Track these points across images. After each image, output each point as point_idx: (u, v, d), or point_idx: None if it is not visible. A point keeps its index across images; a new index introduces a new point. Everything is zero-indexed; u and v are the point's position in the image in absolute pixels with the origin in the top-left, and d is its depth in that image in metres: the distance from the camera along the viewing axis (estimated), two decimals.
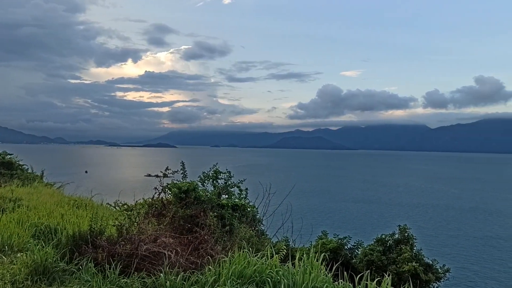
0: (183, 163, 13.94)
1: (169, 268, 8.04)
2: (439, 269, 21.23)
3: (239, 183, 14.68)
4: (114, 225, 10.27)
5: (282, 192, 16.67)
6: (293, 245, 15.73)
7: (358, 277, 6.95)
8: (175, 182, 12.26)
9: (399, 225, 21.51)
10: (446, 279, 22.76)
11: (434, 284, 20.77)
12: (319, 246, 17.42)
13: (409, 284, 7.72)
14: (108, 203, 12.79)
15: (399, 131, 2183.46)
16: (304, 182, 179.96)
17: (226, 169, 14.96)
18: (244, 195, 14.58)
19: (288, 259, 7.90)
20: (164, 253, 8.60)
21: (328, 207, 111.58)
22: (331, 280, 7.35)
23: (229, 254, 8.38)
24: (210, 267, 8.10)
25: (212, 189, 14.19)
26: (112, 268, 8.20)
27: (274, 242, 15.23)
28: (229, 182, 14.59)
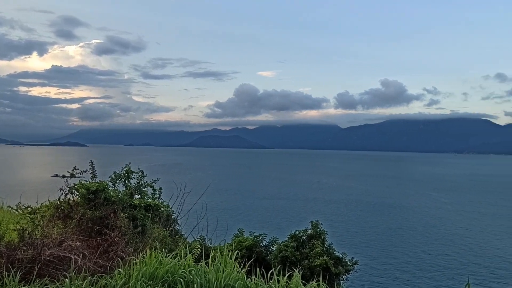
0: (92, 163, 13.29)
1: (75, 273, 7.60)
2: (348, 262, 22.28)
3: (152, 182, 14.32)
4: (15, 230, 9.52)
5: (198, 191, 16.50)
6: (209, 244, 15.65)
7: (269, 272, 7.08)
8: (83, 182, 11.63)
9: (312, 221, 22.25)
10: (355, 271, 24.02)
11: (343, 276, 21.81)
12: (235, 244, 17.51)
13: (320, 278, 7.95)
14: (9, 206, 11.79)
15: (313, 131, 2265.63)
16: (221, 180, 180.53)
17: (139, 169, 14.52)
18: (158, 195, 14.25)
19: (203, 258, 7.84)
20: (70, 257, 8.13)
21: (245, 205, 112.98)
22: (245, 277, 7.40)
23: (141, 255, 8.11)
24: (120, 269, 7.80)
25: (124, 189, 13.69)
26: (11, 276, 7.58)
27: (190, 241, 15.03)
28: (142, 182, 14.18)
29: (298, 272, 7.38)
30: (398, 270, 56.57)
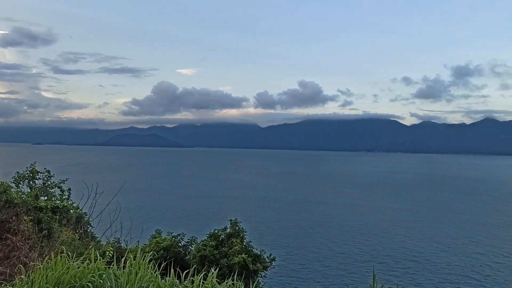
0: None
1: None
2: (266, 259, 22.62)
3: (60, 183, 13.47)
4: None
5: (111, 191, 15.80)
6: (124, 246, 15.06)
7: (185, 272, 6.92)
8: None
9: (231, 220, 22.31)
10: (272, 268, 24.46)
11: (261, 273, 22.10)
12: (153, 245, 17.04)
13: (239, 276, 7.90)
14: None
15: (233, 130, 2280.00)
16: (137, 180, 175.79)
17: (45, 168, 13.56)
18: (67, 196, 13.44)
19: (113, 261, 7.46)
20: None
21: (163, 205, 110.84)
22: (159, 278, 7.15)
23: (45, 260, 7.54)
24: (22, 276, 7.19)
25: (29, 190, 12.72)
26: None
27: (103, 244, 14.35)
28: (49, 183, 13.27)
29: (215, 270, 7.27)
30: (314, 264, 58.61)
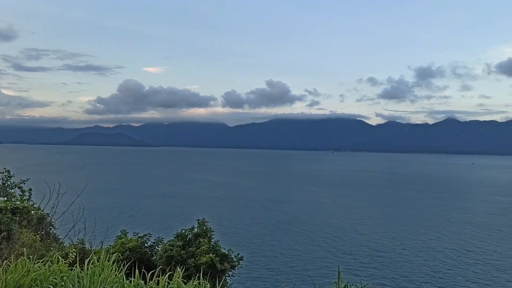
0: None
1: None
2: (234, 258, 22.58)
3: (21, 183, 13.02)
4: None
5: (75, 191, 15.40)
6: (89, 247, 14.71)
7: (150, 273, 6.82)
8: None
9: (198, 219, 22.17)
10: (240, 267, 24.46)
11: (229, 272, 22.06)
12: (118, 246, 16.72)
13: (207, 276, 7.85)
14: None
15: (201, 129, 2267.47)
16: (102, 180, 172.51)
17: (4, 168, 13.10)
18: (27, 197, 13.01)
19: (77, 263, 7.27)
20: None
21: (129, 205, 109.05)
22: (124, 279, 7.01)
23: (5, 263, 7.27)
24: None
25: None
26: None
27: (66, 245, 13.98)
28: (9, 183, 12.81)
29: (181, 270, 7.19)
30: (281, 263, 58.96)
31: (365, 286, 7.81)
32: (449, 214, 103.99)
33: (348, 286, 7.84)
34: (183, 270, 7.04)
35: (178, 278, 6.72)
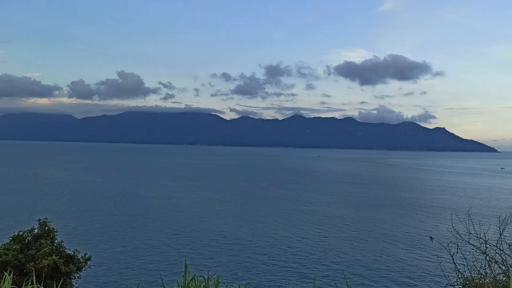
0: None
1: None
2: (81, 259, 21.52)
3: None
4: None
5: None
6: None
7: None
8: None
9: (39, 219, 20.62)
10: (88, 267, 23.33)
11: (75, 274, 20.91)
12: None
13: (50, 279, 7.38)
14: None
15: (44, 121, 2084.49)
16: None
17: None
18: None
19: None
20: None
21: None
22: None
23: None
24: None
25: None
26: None
27: None
28: None
29: (18, 276, 6.65)
30: (131, 260, 57.46)
31: (211, 276, 8.13)
32: (297, 203, 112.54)
33: (196, 278, 8.07)
34: (11, 275, 6.50)
35: (8, 284, 6.18)
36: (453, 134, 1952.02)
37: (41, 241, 18.49)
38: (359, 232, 78.28)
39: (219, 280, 8.04)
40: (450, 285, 9.24)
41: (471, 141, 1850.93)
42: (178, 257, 58.87)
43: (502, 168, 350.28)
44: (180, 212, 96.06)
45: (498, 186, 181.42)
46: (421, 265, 57.19)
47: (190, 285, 7.76)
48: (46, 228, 19.36)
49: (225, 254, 61.39)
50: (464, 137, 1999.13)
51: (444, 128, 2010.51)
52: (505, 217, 10.34)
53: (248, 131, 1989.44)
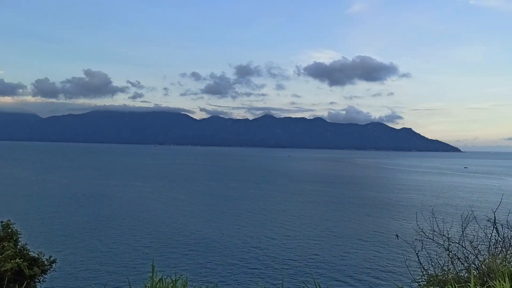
0: None
1: None
2: (45, 262, 20.99)
3: None
4: None
5: None
6: None
7: None
8: None
9: (2, 221, 20.04)
10: (53, 270, 22.77)
11: (40, 277, 20.38)
12: None
13: (13, 283, 7.19)
14: None
15: (6, 120, 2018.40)
16: None
17: None
18: None
19: None
20: None
21: None
22: None
23: None
24: None
25: None
26: None
27: None
28: None
29: None
30: (98, 261, 56.43)
31: (179, 278, 8.09)
32: (267, 203, 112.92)
33: (163, 279, 8.04)
34: None
35: None
36: (419, 135, 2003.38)
37: (4, 244, 17.94)
38: (328, 232, 79.33)
39: (187, 281, 8.03)
40: (415, 282, 9.51)
41: (436, 141, 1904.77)
42: (145, 258, 58.13)
43: (465, 167, 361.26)
44: (147, 212, 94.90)
45: (461, 185, 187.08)
46: (387, 263, 58.43)
47: (157, 286, 7.72)
48: (9, 230, 18.80)
49: (193, 255, 61.05)
50: (429, 137, 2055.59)
51: (411, 128, 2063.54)
52: (467, 215, 10.71)
53: (218, 131, 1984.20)
